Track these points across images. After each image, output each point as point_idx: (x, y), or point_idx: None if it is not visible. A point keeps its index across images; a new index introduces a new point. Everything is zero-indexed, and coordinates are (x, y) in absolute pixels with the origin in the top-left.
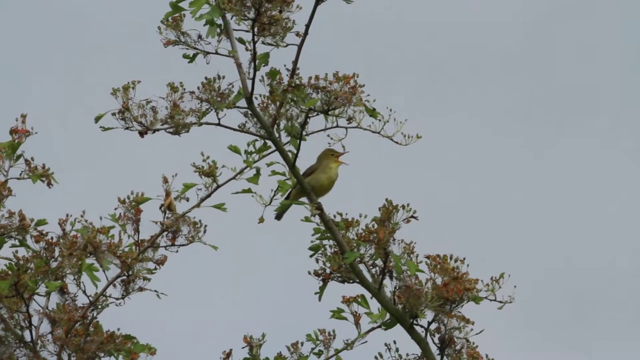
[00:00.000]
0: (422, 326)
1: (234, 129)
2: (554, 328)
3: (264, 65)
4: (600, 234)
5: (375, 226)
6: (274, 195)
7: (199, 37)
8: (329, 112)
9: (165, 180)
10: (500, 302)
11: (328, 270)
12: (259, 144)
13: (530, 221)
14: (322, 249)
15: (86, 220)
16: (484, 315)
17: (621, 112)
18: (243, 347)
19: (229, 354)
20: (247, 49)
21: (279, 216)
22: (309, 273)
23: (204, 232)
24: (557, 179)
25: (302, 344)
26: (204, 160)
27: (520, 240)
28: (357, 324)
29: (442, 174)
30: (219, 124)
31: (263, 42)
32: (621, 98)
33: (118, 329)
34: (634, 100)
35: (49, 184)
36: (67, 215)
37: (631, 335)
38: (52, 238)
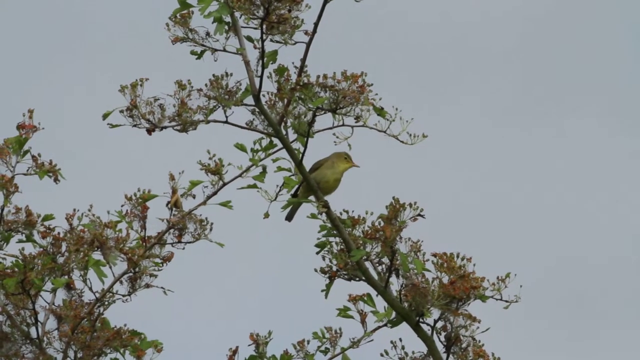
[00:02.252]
0: (428, 324)
1: (242, 127)
2: (560, 327)
3: (271, 63)
4: (607, 231)
5: (382, 224)
6: (279, 190)
7: (207, 34)
8: (337, 111)
9: (172, 178)
10: (507, 301)
11: (334, 268)
12: (265, 142)
13: (537, 218)
14: (329, 246)
15: (93, 215)
16: (491, 313)
17: (625, 106)
18: (249, 345)
19: (235, 351)
20: (255, 47)
21: (289, 217)
22: (316, 270)
23: (210, 229)
24: (562, 175)
25: (308, 342)
26: (210, 158)
27: (527, 238)
28: (363, 322)
29: (449, 172)
30: (226, 122)
31: (271, 40)
32: (624, 94)
33: (125, 325)
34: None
35: (56, 180)
36: (75, 209)
37: (639, 334)
38: (59, 233)
